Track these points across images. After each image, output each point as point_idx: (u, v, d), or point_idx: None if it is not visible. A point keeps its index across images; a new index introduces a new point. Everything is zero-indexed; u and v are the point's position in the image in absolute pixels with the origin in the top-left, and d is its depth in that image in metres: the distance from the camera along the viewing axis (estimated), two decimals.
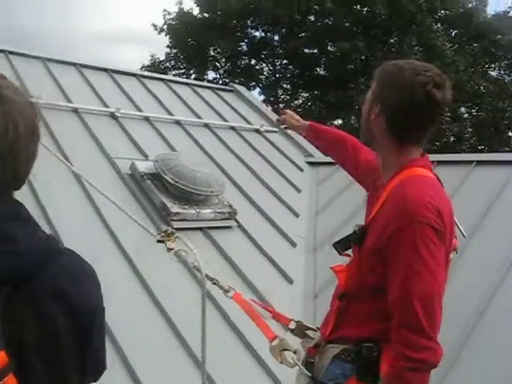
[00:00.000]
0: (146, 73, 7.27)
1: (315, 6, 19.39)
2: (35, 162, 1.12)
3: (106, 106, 5.33)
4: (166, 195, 4.05)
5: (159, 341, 3.14)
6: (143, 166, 4.31)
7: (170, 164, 4.15)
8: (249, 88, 21.49)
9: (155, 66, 21.28)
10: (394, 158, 1.88)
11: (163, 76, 7.29)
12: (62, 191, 3.87)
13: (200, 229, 4.06)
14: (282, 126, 3.05)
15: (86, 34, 40.48)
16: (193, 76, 21.93)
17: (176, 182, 4.04)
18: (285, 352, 2.00)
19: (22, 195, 1.12)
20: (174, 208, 3.95)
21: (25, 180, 1.10)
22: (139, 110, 5.55)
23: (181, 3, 21.47)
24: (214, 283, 1.74)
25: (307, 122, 2.78)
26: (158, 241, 1.76)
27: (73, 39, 36.32)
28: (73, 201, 3.82)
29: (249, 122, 6.58)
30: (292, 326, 2.12)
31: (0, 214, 1.02)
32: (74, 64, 5.98)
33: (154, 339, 3.14)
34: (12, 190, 1.09)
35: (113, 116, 5.20)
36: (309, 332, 2.06)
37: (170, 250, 1.73)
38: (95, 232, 3.63)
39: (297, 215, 4.92)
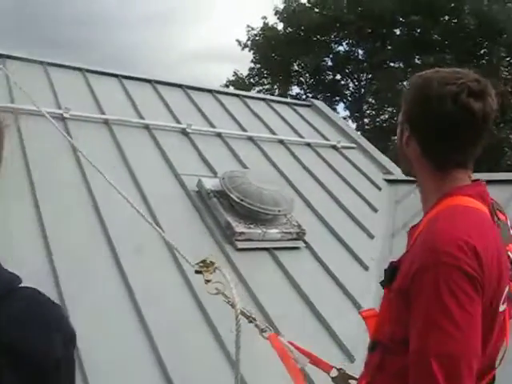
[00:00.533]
0: (221, 89, 7.21)
1: (401, 19, 18.93)
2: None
3: (178, 122, 5.30)
4: (231, 214, 3.91)
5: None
6: (210, 183, 4.20)
7: (236, 181, 4.01)
8: (333, 103, 21.25)
9: (239, 82, 21.46)
10: (434, 186, 1.57)
11: (238, 92, 7.22)
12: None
13: (266, 249, 3.88)
14: None
15: (178, 53, 41.94)
16: (276, 91, 21.95)
17: (242, 200, 3.89)
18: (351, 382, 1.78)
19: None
20: (239, 227, 3.79)
21: None
22: (212, 125, 5.48)
23: (265, 18, 21.59)
24: (251, 321, 1.55)
25: None
26: (196, 271, 1.59)
27: (168, 59, 37.70)
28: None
29: (326, 138, 6.36)
30: (334, 373, 1.88)
31: None
32: (149, 81, 6.02)
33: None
34: None
35: (184, 132, 5.15)
36: (352, 382, 1.80)
37: (207, 281, 1.56)
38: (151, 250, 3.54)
39: (371, 236, 4.64)
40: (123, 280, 3.18)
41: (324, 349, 2.95)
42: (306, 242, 4.11)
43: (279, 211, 3.97)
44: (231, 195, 3.94)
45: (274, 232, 3.93)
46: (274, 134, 5.90)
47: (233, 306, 1.46)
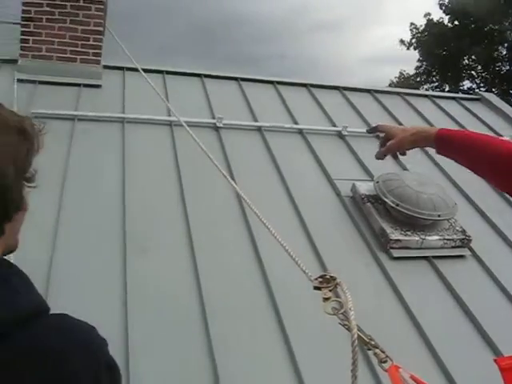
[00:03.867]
0: (380, 88, 6.89)
1: None
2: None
3: (333, 125, 5.14)
4: (386, 220, 3.65)
5: None
6: (365, 188, 3.97)
7: (391, 185, 3.75)
8: (510, 96, 19.66)
9: (404, 82, 20.74)
10: None
11: (399, 90, 6.86)
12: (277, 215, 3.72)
13: (425, 258, 3.55)
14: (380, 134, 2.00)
15: (352, 59, 42.14)
16: (446, 87, 20.86)
17: (397, 204, 3.61)
18: None
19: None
20: (395, 234, 3.52)
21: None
22: (369, 126, 5.24)
23: (429, 14, 20.66)
24: (369, 349, 1.34)
25: (432, 129, 1.83)
26: (315, 287, 1.42)
27: (341, 65, 38.06)
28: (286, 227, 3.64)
29: (498, 134, 5.79)
30: None
31: None
32: (304, 85, 5.93)
33: None
34: None
35: (339, 135, 4.98)
36: None
37: (325, 300, 1.38)
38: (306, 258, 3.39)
39: None
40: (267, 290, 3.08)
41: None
42: (472, 250, 3.71)
43: (439, 216, 3.63)
44: (386, 200, 3.68)
45: (434, 239, 3.59)
46: None
47: (349, 329, 1.26)
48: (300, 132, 4.89)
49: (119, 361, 0.98)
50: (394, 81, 21.39)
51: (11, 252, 0.97)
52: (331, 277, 1.43)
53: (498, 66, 20.50)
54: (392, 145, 1.90)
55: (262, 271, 3.17)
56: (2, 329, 0.81)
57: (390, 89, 6.88)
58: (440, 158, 4.88)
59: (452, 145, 1.77)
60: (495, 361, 1.38)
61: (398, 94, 6.41)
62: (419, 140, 1.85)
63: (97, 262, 3.05)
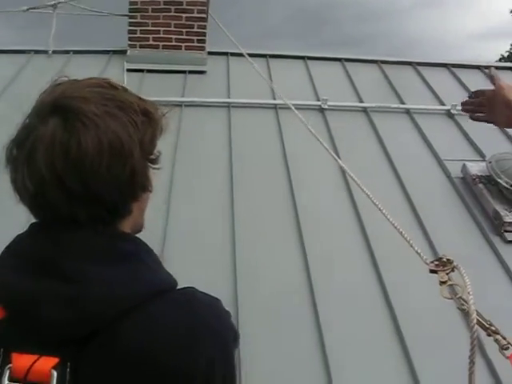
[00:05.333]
0: (489, 63, 6.56)
1: None
2: None
3: (441, 103, 4.96)
4: (500, 201, 3.49)
5: None
6: (476, 168, 3.81)
7: (505, 165, 3.57)
8: None
9: None
10: None
11: (510, 64, 6.49)
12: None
13: None
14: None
15: (460, 35, 40.48)
16: None
17: (511, 185, 3.45)
18: None
19: None
20: (509, 217, 3.36)
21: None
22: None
23: None
24: (489, 334, 1.28)
25: None
26: (431, 271, 1.39)
27: (449, 41, 36.72)
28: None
29: None
30: None
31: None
32: (409, 63, 5.76)
33: None
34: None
35: (448, 114, 4.80)
36: None
37: (442, 283, 1.34)
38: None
39: None
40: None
41: None
42: None
43: None
44: (500, 181, 3.52)
45: None
46: None
47: (468, 314, 1.22)
48: (407, 112, 4.76)
49: None
50: (505, 55, 20.22)
51: (139, 231, 1.02)
52: (448, 260, 1.39)
53: None
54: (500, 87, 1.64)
55: (370, 252, 3.15)
56: (139, 302, 0.86)
57: (501, 64, 6.53)
58: None
59: None
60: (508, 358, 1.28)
61: (510, 68, 6.08)
62: None
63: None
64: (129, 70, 4.85)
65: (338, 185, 3.68)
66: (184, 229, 3.25)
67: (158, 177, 1.02)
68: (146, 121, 0.94)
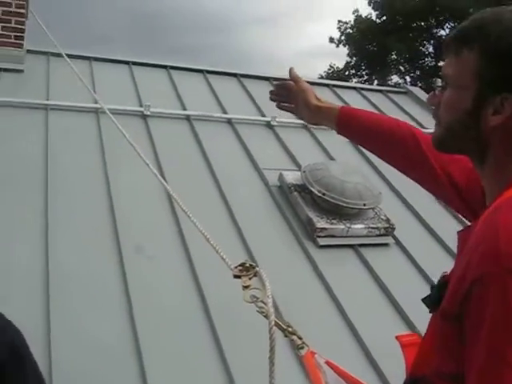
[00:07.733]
0: (309, 79, 6.96)
1: None
2: None
3: (262, 115, 5.15)
4: (312, 209, 3.69)
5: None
6: (292, 177, 4.00)
7: (318, 174, 3.79)
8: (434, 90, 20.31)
9: (334, 76, 21.12)
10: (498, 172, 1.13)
11: (328, 81, 6.96)
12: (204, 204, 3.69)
13: (350, 246, 3.62)
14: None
15: (288, 53, 42.75)
16: (375, 82, 21.36)
17: (323, 194, 3.66)
18: None
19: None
20: (321, 223, 3.57)
21: None
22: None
23: (357, 11, 21.20)
24: (286, 335, 1.34)
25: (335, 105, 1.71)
26: (235, 276, 1.41)
27: (277, 58, 38.47)
28: (214, 217, 3.61)
29: (422, 126, 5.96)
30: None
31: None
32: (234, 75, 5.92)
33: None
34: None
35: (268, 125, 5.00)
36: None
37: (245, 288, 1.37)
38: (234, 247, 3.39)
39: None
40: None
41: None
42: (395, 238, 3.81)
43: (364, 205, 3.70)
44: (312, 189, 3.72)
45: (359, 227, 3.66)
46: None
47: (267, 316, 1.26)
48: (229, 121, 4.87)
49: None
50: (323, 75, 21.71)
51: None
52: (251, 265, 1.43)
53: (424, 62, 21.19)
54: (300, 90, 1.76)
55: (188, 259, 3.16)
56: None
57: (319, 80, 6.96)
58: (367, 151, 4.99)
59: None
60: (396, 338, 1.41)
61: (326, 85, 6.50)
62: (324, 108, 1.72)
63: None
64: None
65: (158, 191, 3.64)
66: None
67: None
68: None
